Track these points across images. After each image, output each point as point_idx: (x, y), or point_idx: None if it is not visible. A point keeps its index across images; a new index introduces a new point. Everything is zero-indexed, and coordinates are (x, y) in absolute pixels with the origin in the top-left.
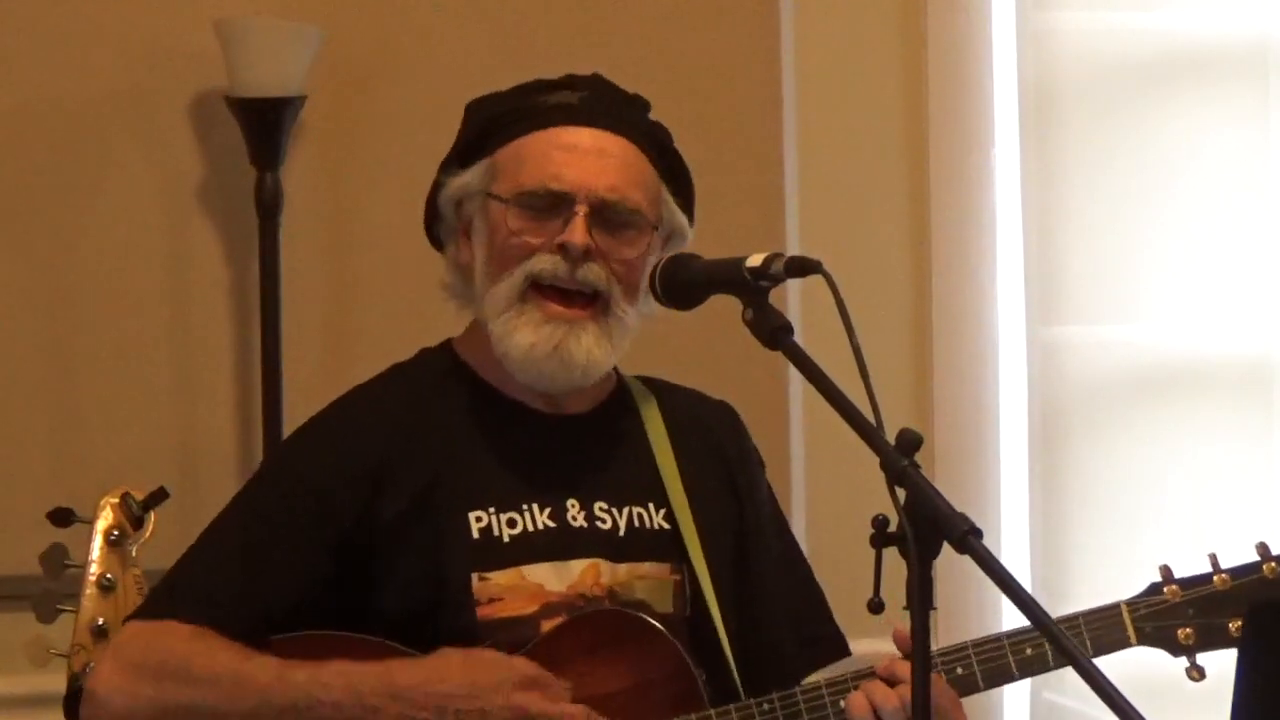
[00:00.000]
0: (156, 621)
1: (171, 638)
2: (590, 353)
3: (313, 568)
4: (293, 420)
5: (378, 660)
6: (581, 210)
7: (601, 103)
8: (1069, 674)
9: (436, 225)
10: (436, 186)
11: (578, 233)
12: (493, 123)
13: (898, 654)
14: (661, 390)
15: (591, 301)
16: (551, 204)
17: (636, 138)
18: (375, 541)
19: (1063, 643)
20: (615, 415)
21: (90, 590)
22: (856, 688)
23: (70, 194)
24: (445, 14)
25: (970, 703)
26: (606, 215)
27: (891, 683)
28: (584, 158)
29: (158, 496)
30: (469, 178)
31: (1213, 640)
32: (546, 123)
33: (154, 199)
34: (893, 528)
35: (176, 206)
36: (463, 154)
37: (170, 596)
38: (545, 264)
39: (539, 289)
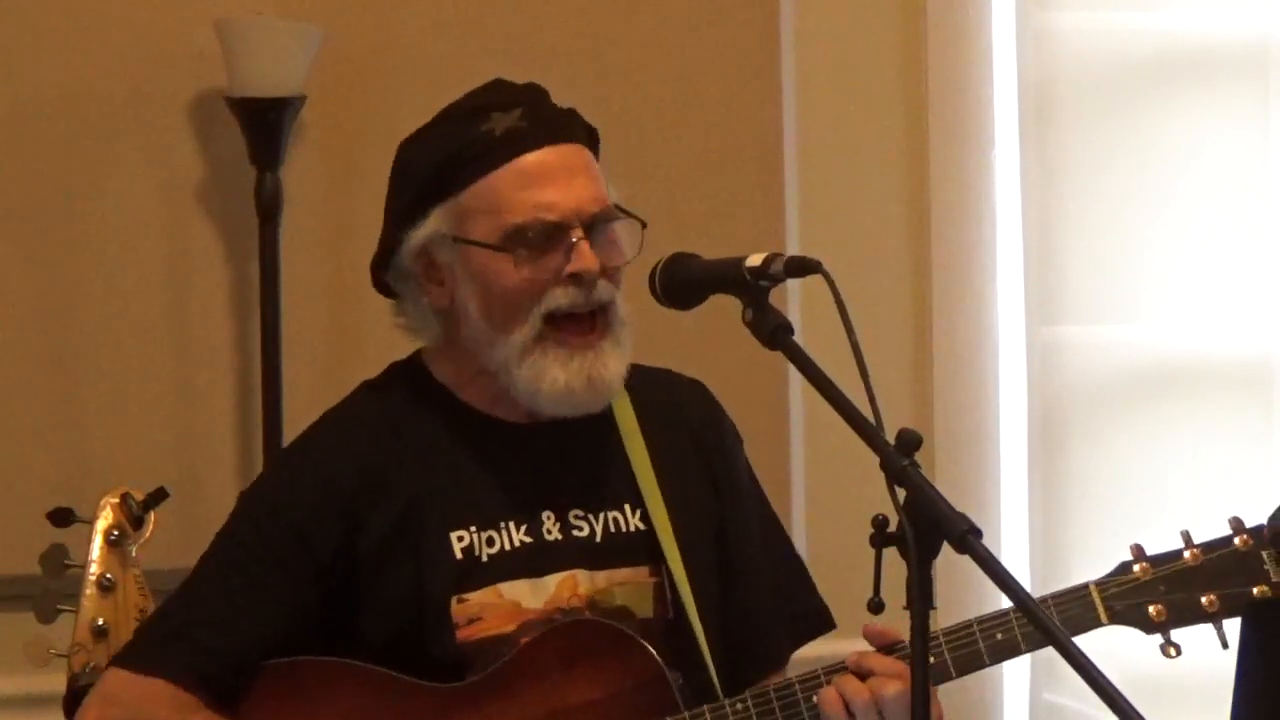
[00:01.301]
0: (143, 677)
1: (157, 704)
2: (616, 371)
3: (297, 603)
4: (292, 420)
5: None
6: (578, 234)
7: (541, 115)
8: (1069, 675)
9: (386, 272)
10: (394, 241)
11: (588, 258)
12: (444, 165)
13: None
14: (632, 378)
15: (600, 316)
16: (548, 236)
17: (578, 136)
18: (358, 568)
19: (1061, 641)
20: (590, 416)
21: (90, 590)
22: (829, 682)
23: (71, 194)
24: (445, 14)
25: (970, 703)
26: (597, 228)
27: (862, 676)
28: (560, 179)
29: (158, 496)
30: (434, 225)
31: (1185, 616)
32: (507, 155)
33: (154, 199)
34: (893, 528)
35: (176, 206)
36: (418, 200)
37: (158, 646)
38: (561, 299)
39: (553, 321)
